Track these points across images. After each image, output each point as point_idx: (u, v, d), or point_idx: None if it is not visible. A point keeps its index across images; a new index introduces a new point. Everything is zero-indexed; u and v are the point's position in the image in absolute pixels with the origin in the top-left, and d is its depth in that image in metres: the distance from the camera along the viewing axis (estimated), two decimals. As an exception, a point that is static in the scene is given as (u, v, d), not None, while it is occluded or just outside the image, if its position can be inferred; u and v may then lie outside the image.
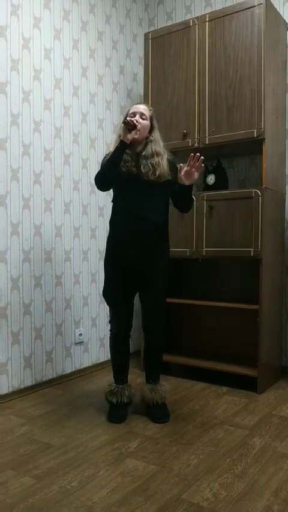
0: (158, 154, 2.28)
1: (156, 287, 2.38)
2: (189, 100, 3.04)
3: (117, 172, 2.25)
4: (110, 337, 2.47)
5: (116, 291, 2.40)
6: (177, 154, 3.04)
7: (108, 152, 2.33)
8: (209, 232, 2.93)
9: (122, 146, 2.20)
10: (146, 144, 2.31)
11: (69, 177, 3.07)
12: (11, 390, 2.68)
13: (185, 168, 2.22)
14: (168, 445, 2.08)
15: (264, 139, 2.76)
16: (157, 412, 2.37)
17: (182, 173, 2.23)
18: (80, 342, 3.18)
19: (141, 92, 3.67)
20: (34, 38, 2.81)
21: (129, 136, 2.19)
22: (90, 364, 3.27)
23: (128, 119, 2.21)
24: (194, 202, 2.91)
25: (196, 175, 2.24)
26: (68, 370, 3.08)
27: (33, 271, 2.82)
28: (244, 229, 2.79)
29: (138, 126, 2.23)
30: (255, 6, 2.76)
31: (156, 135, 2.34)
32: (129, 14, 3.66)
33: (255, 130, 2.77)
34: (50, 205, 2.93)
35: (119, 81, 3.54)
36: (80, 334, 3.17)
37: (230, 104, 2.88)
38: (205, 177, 3.15)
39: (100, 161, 2.66)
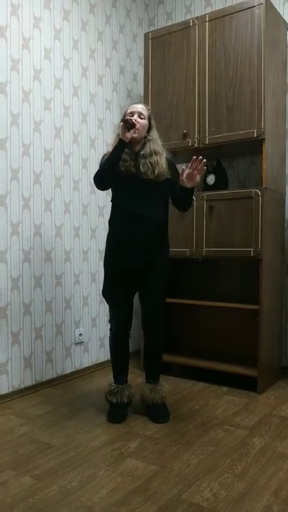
0: (156, 153, 2.28)
1: (155, 287, 2.37)
2: (189, 100, 3.04)
3: (116, 171, 2.25)
4: (109, 337, 2.48)
5: (115, 291, 2.39)
6: (177, 155, 3.06)
7: (107, 152, 2.32)
8: (209, 232, 2.93)
9: (121, 145, 2.20)
10: (144, 144, 2.31)
11: (69, 177, 3.07)
12: (11, 390, 2.68)
13: (187, 171, 2.22)
14: (168, 445, 2.08)
15: (264, 139, 2.76)
16: (157, 412, 2.37)
17: (184, 176, 2.23)
18: (80, 342, 3.18)
19: (141, 92, 3.67)
20: (34, 38, 2.81)
21: (128, 135, 2.19)
22: (90, 364, 3.27)
23: (127, 117, 2.21)
24: (194, 202, 2.92)
25: (198, 178, 2.24)
26: (68, 370, 3.08)
27: (33, 271, 2.82)
28: (244, 229, 2.79)
29: (137, 125, 2.23)
30: (255, 6, 2.76)
31: (155, 134, 2.34)
32: (129, 14, 3.66)
33: (255, 131, 2.77)
34: (50, 205, 2.93)
35: (119, 81, 3.54)
36: (80, 334, 3.17)
37: (230, 104, 2.88)
38: (205, 177, 3.15)
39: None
